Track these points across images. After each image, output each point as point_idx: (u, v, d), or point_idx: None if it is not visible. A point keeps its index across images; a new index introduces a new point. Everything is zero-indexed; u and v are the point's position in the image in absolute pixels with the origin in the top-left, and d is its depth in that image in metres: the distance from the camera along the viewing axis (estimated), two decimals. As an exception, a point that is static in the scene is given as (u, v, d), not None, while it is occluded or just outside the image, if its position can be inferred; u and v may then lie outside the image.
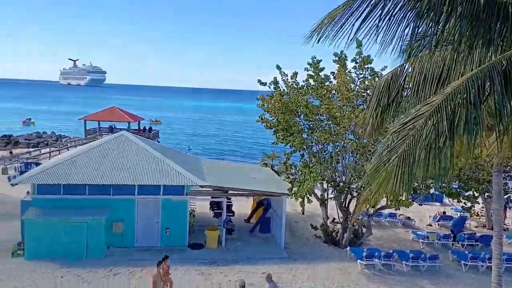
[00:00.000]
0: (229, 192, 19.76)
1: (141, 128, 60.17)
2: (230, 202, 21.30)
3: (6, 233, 19.84)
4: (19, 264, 16.63)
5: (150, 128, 61.46)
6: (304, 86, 20.01)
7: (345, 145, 19.18)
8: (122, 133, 22.00)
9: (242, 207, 24.68)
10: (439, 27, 8.56)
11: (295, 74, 20.15)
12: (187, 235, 19.17)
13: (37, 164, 34.99)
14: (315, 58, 19.61)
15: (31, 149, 47.54)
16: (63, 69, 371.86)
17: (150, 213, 18.89)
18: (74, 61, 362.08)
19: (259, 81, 19.89)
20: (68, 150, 42.05)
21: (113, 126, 60.13)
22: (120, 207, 18.57)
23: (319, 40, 8.09)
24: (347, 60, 19.44)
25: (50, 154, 41.04)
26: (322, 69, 19.62)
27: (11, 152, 45.65)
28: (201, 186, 18.99)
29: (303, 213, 23.45)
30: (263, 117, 20.03)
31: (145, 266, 16.72)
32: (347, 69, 19.35)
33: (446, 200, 26.64)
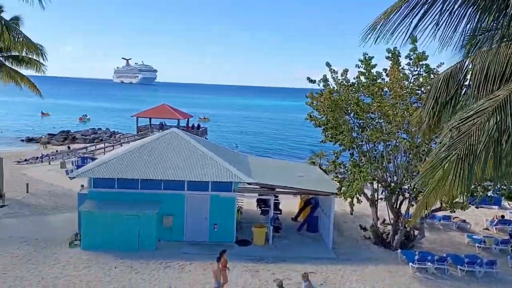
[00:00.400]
0: (276, 190, 19.74)
1: (190, 125, 61.53)
2: (278, 200, 21.28)
3: (64, 223, 20.94)
4: (76, 253, 17.48)
5: (199, 126, 62.80)
6: (354, 83, 19.61)
7: (397, 144, 18.61)
8: (173, 130, 22.54)
9: (289, 205, 24.59)
10: (504, 21, 8.08)
11: (346, 71, 19.78)
12: (234, 231, 19.36)
13: (93, 158, 36.63)
14: (367, 54, 19.16)
15: (87, 144, 49.86)
16: (117, 67, 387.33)
17: (198, 208, 19.24)
18: (127, 60, 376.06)
19: (308, 78, 19.70)
20: (121, 146, 43.73)
21: (163, 123, 61.82)
22: (170, 202, 19.05)
23: (376, 40, 7.88)
24: (400, 56, 18.85)
25: (104, 150, 42.80)
26: (374, 66, 19.13)
27: (69, 147, 48.17)
28: (249, 183, 19.12)
29: (351, 213, 22.91)
30: (311, 115, 19.81)
31: (194, 260, 17.10)
32: (400, 66, 18.75)
33: (505, 203, 25.23)
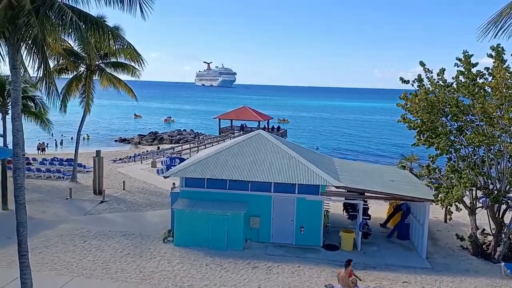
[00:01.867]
0: (366, 194, 19.09)
1: (270, 127, 62.14)
2: (367, 205, 20.54)
3: (157, 219, 22.07)
4: (169, 249, 18.28)
5: (279, 127, 63.21)
6: (452, 83, 18.36)
7: (501, 148, 17.09)
8: (259, 132, 22.76)
9: (376, 210, 23.70)
10: None
11: (442, 70, 18.60)
12: (321, 235, 19.05)
13: (180, 158, 38.41)
14: (467, 52, 17.85)
15: (174, 145, 52.39)
16: (199, 71, 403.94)
17: (285, 210, 19.19)
18: (208, 63, 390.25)
19: (401, 78, 18.79)
20: (205, 146, 45.31)
21: (244, 124, 63.15)
22: (257, 203, 19.21)
23: (496, 35, 7.23)
24: (504, 53, 17.30)
25: (190, 150, 44.58)
26: (476, 64, 17.76)
27: (158, 147, 51.01)
28: (337, 187, 18.69)
29: (445, 221, 21.53)
30: (405, 117, 18.86)
31: (281, 262, 17.07)
32: (505, 63, 17.20)
33: None
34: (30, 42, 11.65)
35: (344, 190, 19.06)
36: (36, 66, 11.64)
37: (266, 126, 62.33)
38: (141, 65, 15.29)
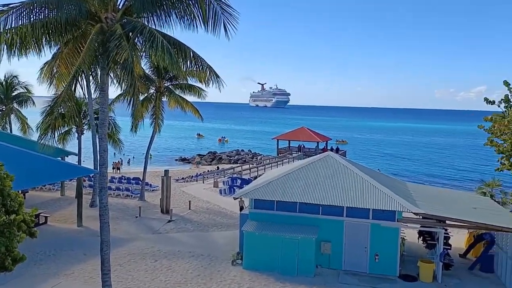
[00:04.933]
0: (447, 222, 17.90)
1: (328, 148, 61.11)
2: (447, 234, 19.26)
3: (224, 240, 21.97)
4: (238, 272, 18.01)
5: (338, 148, 61.92)
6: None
7: None
8: (329, 154, 22.24)
9: (453, 239, 22.18)
10: None
11: (534, 90, 17.32)
12: (397, 264, 18.02)
13: (242, 179, 38.49)
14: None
15: (233, 165, 52.81)
16: (253, 92, 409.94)
17: (358, 237, 18.40)
18: (262, 84, 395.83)
19: (485, 99, 17.69)
20: (264, 167, 45.19)
21: (302, 145, 62.59)
22: (328, 228, 18.59)
23: None
24: None
25: (250, 170, 44.64)
26: None
27: (218, 167, 51.59)
28: (415, 214, 17.69)
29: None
30: (492, 140, 17.66)
31: (356, 292, 16.27)
32: None
33: None
34: (119, 65, 12.10)
35: (418, 217, 18.03)
36: (124, 86, 12.05)
37: (325, 147, 61.42)
38: (219, 87, 15.41)
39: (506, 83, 17.87)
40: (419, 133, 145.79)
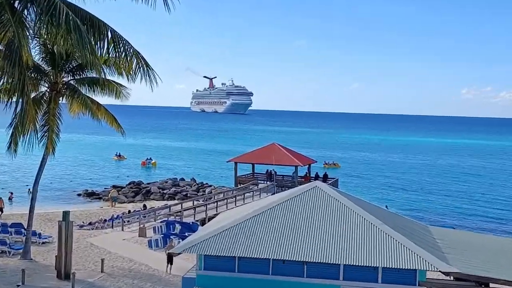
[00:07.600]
0: (491, 286, 18.30)
1: (312, 175, 61.50)
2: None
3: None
4: None
5: (326, 175, 62.44)
6: None
7: None
8: (316, 185, 22.32)
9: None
10: None
11: None
12: None
13: (183, 223, 38.05)
14: None
15: (169, 202, 52.27)
16: (197, 90, 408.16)
17: (362, 309, 18.53)
18: (211, 79, 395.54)
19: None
20: (216, 204, 44.94)
21: (273, 171, 62.53)
22: (318, 297, 18.64)
23: None
24: None
25: (195, 210, 44.18)
26: None
27: (144, 206, 50.83)
28: (445, 274, 17.99)
29: None
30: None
31: None
32: None
33: None
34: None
35: (454, 278, 18.37)
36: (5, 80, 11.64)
37: (307, 173, 61.91)
38: (152, 84, 15.17)
39: None
40: (440, 152, 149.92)
